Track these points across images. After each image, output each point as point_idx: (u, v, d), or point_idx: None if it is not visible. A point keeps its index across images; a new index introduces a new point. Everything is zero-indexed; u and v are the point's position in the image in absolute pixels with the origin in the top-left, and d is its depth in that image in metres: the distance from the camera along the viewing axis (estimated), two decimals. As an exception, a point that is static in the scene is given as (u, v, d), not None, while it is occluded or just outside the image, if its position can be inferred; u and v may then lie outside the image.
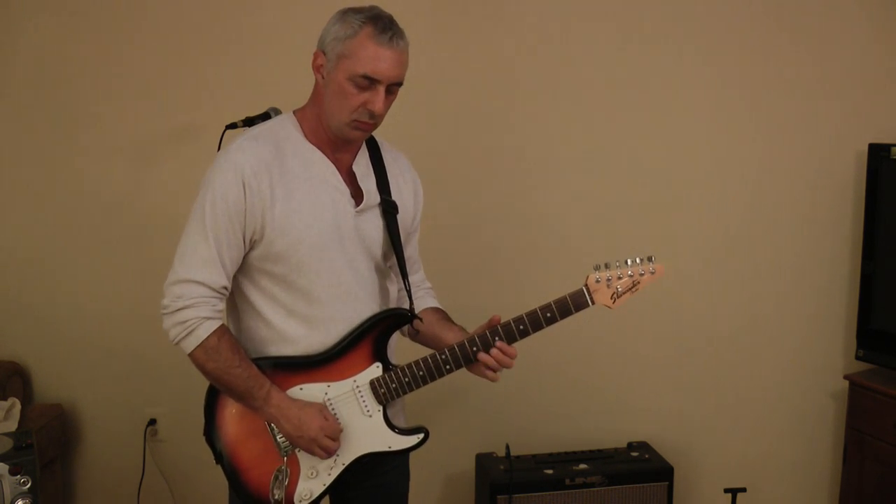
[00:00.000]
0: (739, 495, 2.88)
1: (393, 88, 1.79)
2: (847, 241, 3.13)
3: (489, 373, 1.89)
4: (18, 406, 2.89)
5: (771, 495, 3.24)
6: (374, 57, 1.73)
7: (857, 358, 2.98)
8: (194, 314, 1.77)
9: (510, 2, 3.03)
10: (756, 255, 3.16)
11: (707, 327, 3.18)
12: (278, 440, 1.85)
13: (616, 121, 3.09)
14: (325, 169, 1.85)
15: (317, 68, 1.82)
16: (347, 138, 1.83)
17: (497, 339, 1.85)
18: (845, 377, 3.01)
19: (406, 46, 1.79)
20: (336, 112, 1.79)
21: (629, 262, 1.86)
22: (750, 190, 3.13)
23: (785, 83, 3.07)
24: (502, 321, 1.86)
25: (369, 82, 1.75)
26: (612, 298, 1.85)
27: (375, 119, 1.80)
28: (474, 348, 1.86)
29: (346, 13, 1.78)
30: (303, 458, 1.87)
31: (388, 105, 1.81)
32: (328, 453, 1.85)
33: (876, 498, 2.86)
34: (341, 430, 1.86)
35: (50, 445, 2.95)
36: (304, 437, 1.81)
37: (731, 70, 3.07)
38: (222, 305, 1.83)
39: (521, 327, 1.84)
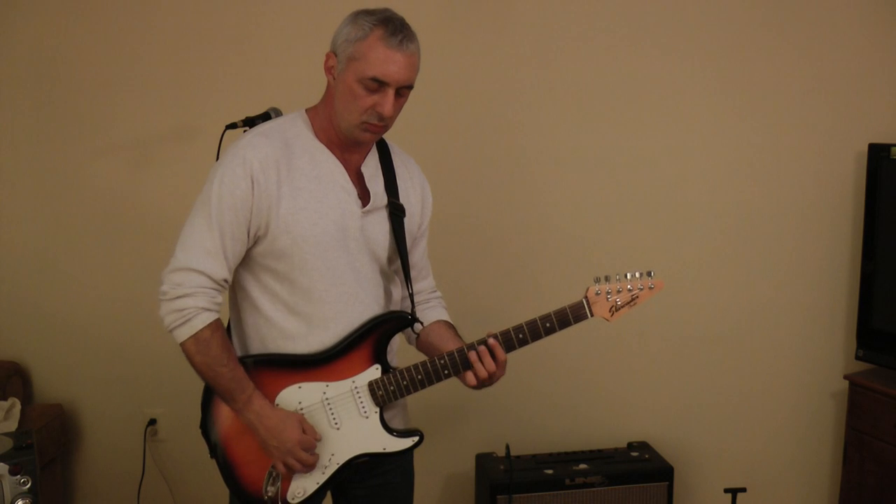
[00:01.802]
0: (739, 495, 2.88)
1: (403, 91, 1.79)
2: (847, 241, 3.13)
3: (478, 380, 1.87)
4: (18, 406, 2.89)
5: (771, 495, 3.24)
6: (384, 60, 1.73)
7: (857, 358, 2.98)
8: (192, 303, 1.76)
9: (516, 6, 3.03)
10: (756, 256, 3.16)
11: (707, 327, 3.18)
12: None
13: (618, 123, 3.09)
14: (333, 168, 1.85)
15: (328, 69, 1.82)
16: (357, 140, 1.83)
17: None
18: (845, 377, 3.01)
19: (417, 50, 1.78)
20: (346, 113, 1.79)
21: (629, 275, 1.86)
22: (750, 190, 3.13)
23: (785, 84, 3.07)
24: (502, 330, 1.86)
25: (378, 85, 1.75)
26: (610, 312, 1.86)
27: (385, 121, 1.80)
28: (473, 353, 1.86)
29: (359, 15, 1.78)
30: None
31: (398, 108, 1.81)
32: (303, 466, 1.83)
33: (876, 498, 2.86)
34: (319, 440, 1.84)
35: (50, 445, 2.95)
36: (281, 447, 1.80)
37: (731, 71, 3.07)
38: (220, 298, 1.82)
39: (521, 336, 1.85)
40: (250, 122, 2.12)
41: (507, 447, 2.91)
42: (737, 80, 3.07)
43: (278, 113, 2.12)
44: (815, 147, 3.10)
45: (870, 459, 2.88)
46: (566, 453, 3.02)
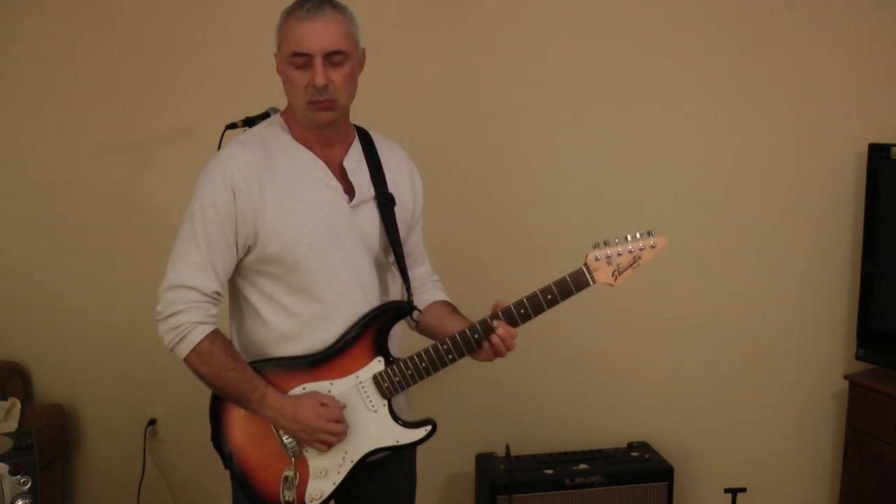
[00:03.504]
0: (739, 495, 2.88)
1: (335, 58, 1.76)
2: (847, 241, 3.12)
3: (494, 357, 1.86)
4: (18, 406, 2.89)
5: (771, 495, 3.24)
6: (297, 33, 1.74)
7: (857, 358, 2.98)
8: (186, 319, 1.77)
9: None
10: (756, 256, 3.15)
11: (707, 327, 3.18)
12: (284, 441, 1.84)
13: (616, 120, 3.09)
14: (314, 167, 1.84)
15: (277, 70, 1.84)
16: (317, 123, 1.81)
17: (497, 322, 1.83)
18: (845, 377, 3.01)
19: (333, 14, 1.76)
20: (294, 101, 1.81)
21: (629, 237, 1.83)
22: (749, 190, 3.13)
23: (785, 83, 3.07)
24: (503, 306, 1.84)
25: (303, 59, 1.75)
26: (613, 276, 1.83)
27: (330, 94, 1.76)
28: (476, 335, 1.84)
29: (282, 12, 1.80)
30: (311, 457, 1.85)
31: (342, 78, 1.77)
32: (337, 437, 1.81)
33: (876, 498, 2.86)
34: (344, 407, 1.83)
35: (50, 445, 2.95)
36: (306, 429, 1.79)
37: (730, 70, 3.06)
38: (215, 310, 1.82)
39: (523, 311, 1.83)
40: (250, 122, 2.12)
41: (507, 447, 2.91)
42: (736, 80, 3.07)
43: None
44: (815, 147, 3.09)
45: (870, 459, 2.88)
46: (566, 453, 3.02)
